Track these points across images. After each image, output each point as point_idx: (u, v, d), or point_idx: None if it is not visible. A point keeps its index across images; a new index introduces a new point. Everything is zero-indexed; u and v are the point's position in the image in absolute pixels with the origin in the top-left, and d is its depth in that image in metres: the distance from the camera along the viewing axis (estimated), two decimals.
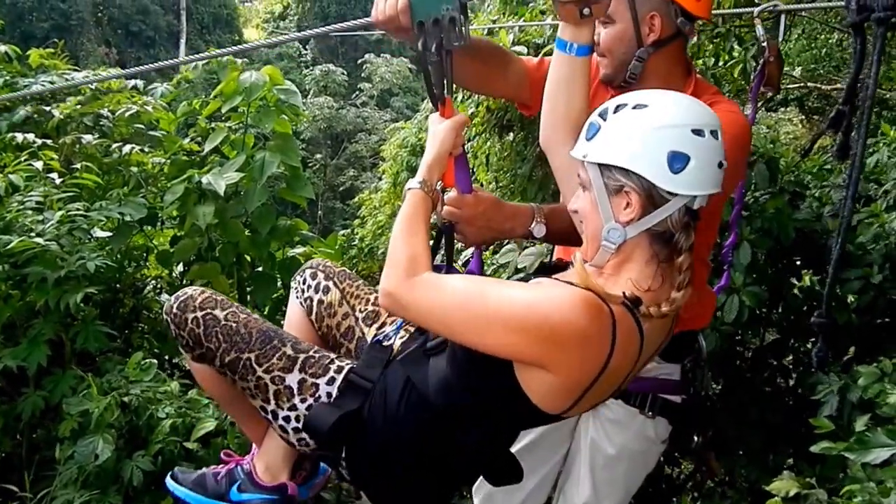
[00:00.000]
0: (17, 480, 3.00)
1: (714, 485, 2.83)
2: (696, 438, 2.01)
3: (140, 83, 4.38)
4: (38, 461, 3.10)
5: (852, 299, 2.64)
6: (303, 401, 1.60)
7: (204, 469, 1.90)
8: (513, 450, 1.95)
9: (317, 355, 1.66)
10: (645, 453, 1.97)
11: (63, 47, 5.13)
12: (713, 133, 1.29)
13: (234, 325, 1.66)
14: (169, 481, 1.87)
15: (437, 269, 1.60)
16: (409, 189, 1.52)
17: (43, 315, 3.16)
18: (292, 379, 1.61)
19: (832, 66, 6.58)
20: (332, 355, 1.68)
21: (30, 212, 3.20)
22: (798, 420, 2.71)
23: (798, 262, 2.85)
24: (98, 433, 2.76)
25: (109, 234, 3.46)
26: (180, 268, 3.82)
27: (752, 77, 3.52)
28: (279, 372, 1.62)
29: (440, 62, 1.54)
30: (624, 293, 1.29)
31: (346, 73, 19.98)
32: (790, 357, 2.90)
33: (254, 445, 1.91)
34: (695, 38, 3.70)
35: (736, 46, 3.52)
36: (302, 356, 1.64)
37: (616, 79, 1.78)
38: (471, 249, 1.98)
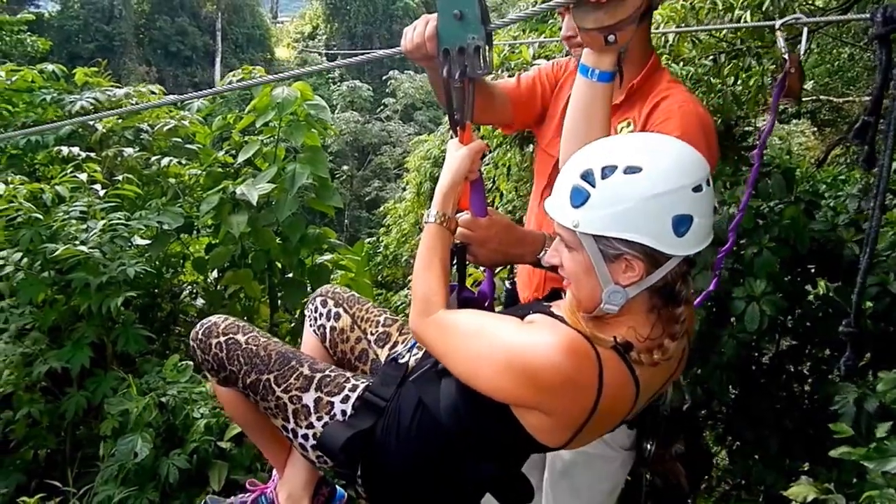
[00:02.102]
0: (61, 476, 3.14)
1: (730, 488, 2.84)
2: (647, 447, 1.85)
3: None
4: (80, 458, 3.25)
5: (868, 305, 2.65)
6: (319, 419, 1.62)
7: (232, 497, 1.98)
8: None
9: (332, 374, 1.68)
10: (604, 459, 1.88)
11: (106, 66, 5.37)
12: (707, 182, 1.24)
13: (254, 347, 1.71)
14: None
15: (450, 289, 1.62)
16: (426, 223, 1.53)
17: (86, 319, 3.32)
18: (309, 398, 1.64)
19: (844, 79, 6.54)
20: (349, 374, 1.70)
21: (74, 221, 3.38)
22: (814, 425, 2.73)
23: (813, 270, 2.87)
24: (137, 432, 2.90)
25: (148, 241, 3.63)
26: (215, 274, 3.96)
27: (769, 89, 3.54)
28: (296, 391, 1.64)
29: (462, 89, 1.55)
30: (615, 338, 1.27)
31: (371, 88, 20.28)
32: (806, 363, 2.91)
33: (275, 472, 1.96)
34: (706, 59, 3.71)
35: (754, 64, 3.54)
36: (318, 375, 1.67)
37: None
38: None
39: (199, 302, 4.00)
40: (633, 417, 1.80)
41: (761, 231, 2.72)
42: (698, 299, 2.17)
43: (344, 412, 1.62)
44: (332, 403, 1.63)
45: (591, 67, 1.51)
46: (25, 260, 3.27)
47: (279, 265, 3.85)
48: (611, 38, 1.43)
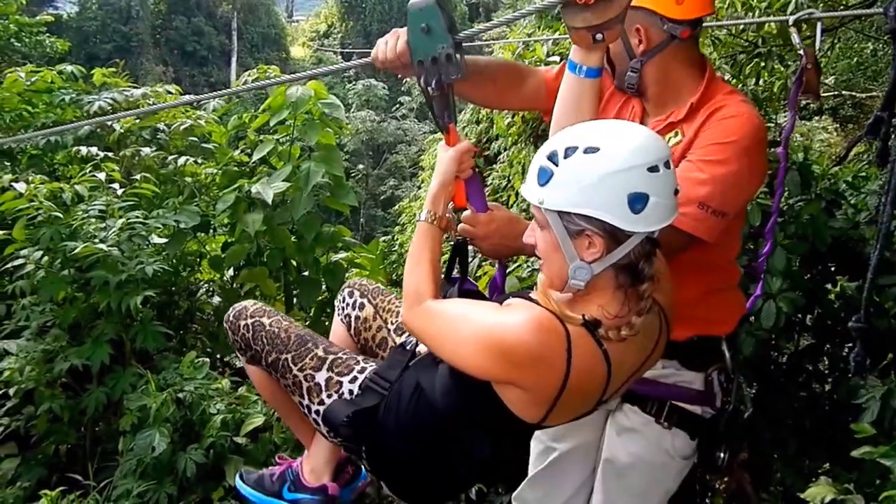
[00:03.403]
0: (81, 470, 3.19)
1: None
2: (720, 455, 1.86)
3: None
4: (100, 453, 3.30)
5: (890, 304, 2.61)
6: (329, 396, 1.74)
7: (263, 470, 2.14)
8: (546, 460, 2.03)
9: (344, 357, 1.81)
10: (663, 467, 1.88)
11: (124, 67, 5.45)
12: (666, 164, 1.30)
13: (276, 329, 1.88)
14: (237, 480, 2.12)
15: (453, 281, 1.75)
16: (417, 221, 1.63)
17: (105, 316, 3.36)
18: (321, 377, 1.77)
19: (866, 75, 6.43)
20: (360, 358, 1.82)
21: (93, 220, 3.42)
22: (834, 425, 2.70)
23: (833, 269, 2.83)
24: (155, 427, 2.93)
25: (166, 240, 3.66)
26: (231, 272, 3.99)
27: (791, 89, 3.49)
28: (310, 370, 1.78)
29: (442, 95, 1.65)
30: (584, 315, 1.34)
31: (386, 87, 20.32)
32: (825, 362, 2.87)
33: (306, 450, 2.10)
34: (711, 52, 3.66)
35: (778, 66, 3.49)
36: (331, 357, 1.80)
37: (621, 88, 1.83)
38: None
39: (216, 300, 4.03)
40: (697, 427, 1.84)
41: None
42: (747, 305, 2.14)
43: (351, 391, 1.73)
44: (340, 383, 1.75)
45: (579, 64, 1.57)
46: (46, 258, 3.32)
47: (294, 263, 3.87)
48: (598, 36, 1.49)
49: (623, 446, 1.90)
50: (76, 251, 3.17)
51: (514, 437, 1.57)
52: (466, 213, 1.74)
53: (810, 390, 2.85)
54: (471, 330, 1.37)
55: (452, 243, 1.80)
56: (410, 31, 1.62)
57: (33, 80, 4.38)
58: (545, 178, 1.33)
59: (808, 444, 2.73)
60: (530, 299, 1.40)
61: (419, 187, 11.96)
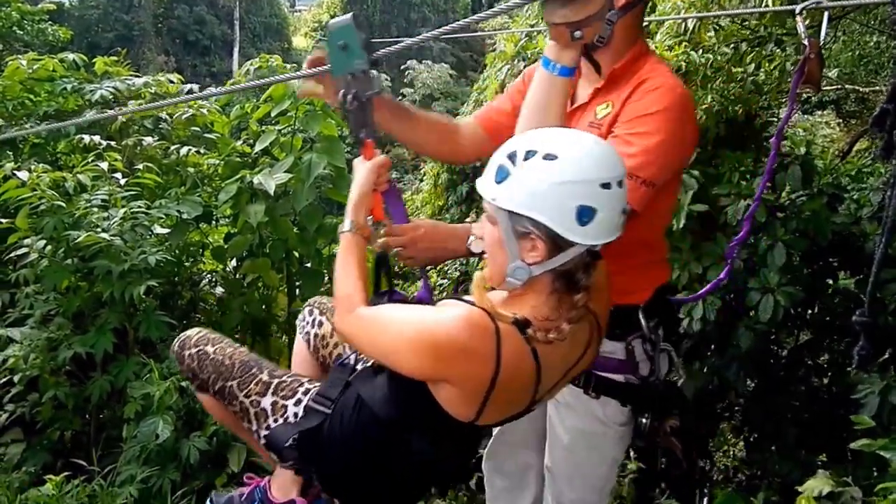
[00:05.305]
0: (86, 457, 3.22)
1: (746, 478, 2.84)
2: (643, 421, 1.89)
3: (195, 87, 4.61)
4: (104, 439, 3.34)
5: (889, 300, 2.62)
6: (275, 421, 1.76)
7: (233, 491, 2.15)
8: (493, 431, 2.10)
9: (289, 380, 1.82)
10: (603, 436, 1.92)
11: (125, 56, 5.42)
12: (619, 183, 1.32)
13: (220, 357, 1.90)
14: None
15: (381, 294, 1.78)
16: (341, 233, 1.67)
17: (108, 305, 3.39)
18: (266, 402, 1.79)
19: (869, 68, 6.38)
20: (304, 379, 1.83)
21: (96, 209, 3.43)
22: (833, 419, 2.71)
23: (835, 264, 2.84)
24: (158, 415, 2.97)
25: (168, 230, 3.67)
26: (233, 262, 4.00)
27: (790, 76, 3.47)
28: (256, 396, 1.80)
29: (358, 111, 1.74)
30: (514, 314, 1.37)
31: (389, 78, 20.25)
32: (825, 356, 2.89)
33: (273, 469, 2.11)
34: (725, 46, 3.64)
35: (776, 50, 3.47)
36: (275, 381, 1.82)
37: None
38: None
39: (219, 290, 4.05)
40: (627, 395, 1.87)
41: (776, 224, 2.70)
42: (709, 286, 2.18)
43: (295, 414, 1.75)
44: (285, 406, 1.77)
45: (553, 61, 1.58)
46: (49, 247, 3.34)
47: (297, 254, 3.88)
48: (577, 33, 1.51)
49: (560, 421, 1.96)
50: (79, 240, 3.18)
51: (453, 437, 1.57)
52: (390, 226, 1.79)
53: (809, 384, 2.87)
54: (402, 329, 1.40)
55: (375, 258, 1.85)
56: (329, 49, 1.71)
57: (35, 68, 4.36)
58: (502, 176, 1.35)
59: (807, 437, 2.75)
60: (463, 300, 1.43)
61: (421, 180, 11.93)
